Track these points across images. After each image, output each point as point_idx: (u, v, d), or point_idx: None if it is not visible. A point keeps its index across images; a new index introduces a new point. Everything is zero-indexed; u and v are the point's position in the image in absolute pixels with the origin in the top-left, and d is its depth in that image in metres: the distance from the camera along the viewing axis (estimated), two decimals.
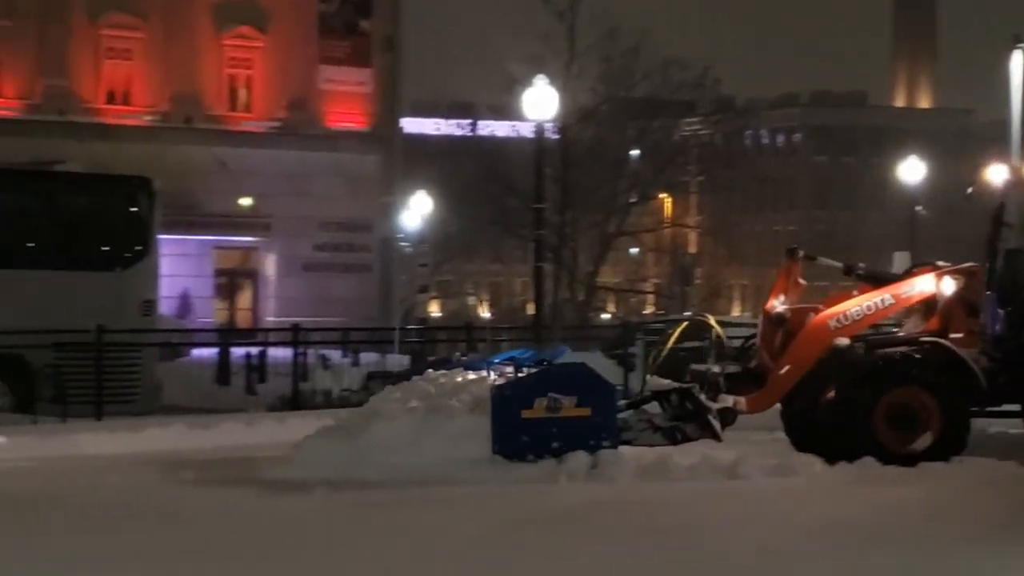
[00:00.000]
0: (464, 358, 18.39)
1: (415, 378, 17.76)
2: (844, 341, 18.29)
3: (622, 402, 17.78)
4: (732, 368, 18.47)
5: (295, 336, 25.14)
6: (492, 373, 17.46)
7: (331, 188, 50.86)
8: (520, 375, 17.14)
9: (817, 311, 18.55)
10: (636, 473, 16.17)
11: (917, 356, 18.09)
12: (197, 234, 48.40)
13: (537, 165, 30.44)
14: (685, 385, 17.77)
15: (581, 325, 49.26)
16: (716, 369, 18.12)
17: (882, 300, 18.63)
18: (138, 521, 13.57)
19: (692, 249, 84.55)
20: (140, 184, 28.62)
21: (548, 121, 32.87)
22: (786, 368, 18.17)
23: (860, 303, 18.60)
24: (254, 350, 31.95)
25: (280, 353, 29.72)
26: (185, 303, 48.36)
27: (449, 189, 59.84)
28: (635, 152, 60.10)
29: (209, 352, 33.08)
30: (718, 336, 18.57)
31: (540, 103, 29.95)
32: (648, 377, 18.31)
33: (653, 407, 17.55)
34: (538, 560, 11.75)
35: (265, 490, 15.46)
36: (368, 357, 32.00)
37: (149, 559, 11.62)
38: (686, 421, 17.44)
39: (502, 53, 51.82)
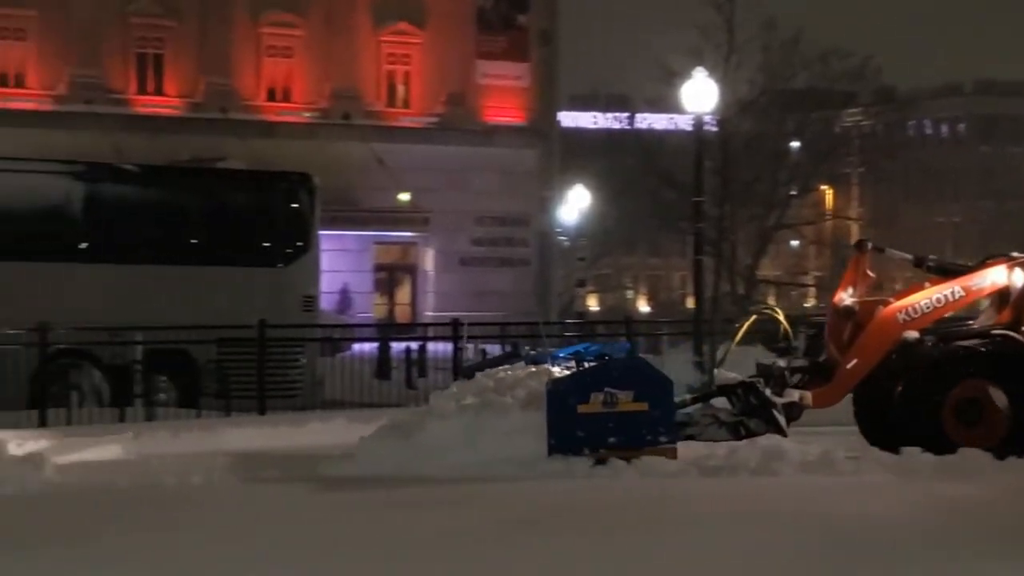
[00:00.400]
0: (532, 352, 18.11)
1: (478, 374, 17.59)
2: (913, 334, 17.94)
3: (688, 396, 17.67)
4: (799, 362, 18.27)
5: (455, 330, 25.14)
6: (555, 367, 17.27)
7: (489, 183, 50.96)
8: (575, 370, 16.99)
9: (886, 304, 18.22)
10: (686, 469, 15.95)
11: (986, 349, 17.65)
12: (356, 230, 48.74)
13: (697, 158, 30.21)
14: (750, 379, 17.50)
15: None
16: (782, 363, 17.89)
17: (952, 292, 18.21)
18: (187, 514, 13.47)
19: (854, 241, 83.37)
20: (301, 180, 28.89)
21: (707, 114, 32.63)
22: (854, 362, 17.87)
23: (929, 295, 18.21)
24: (414, 344, 32.09)
25: (439, 348, 29.76)
26: (345, 298, 48.74)
27: (607, 183, 59.74)
28: (795, 144, 59.49)
29: (369, 347, 33.28)
30: (785, 330, 18.36)
31: (699, 96, 29.70)
32: (716, 371, 18.13)
33: (721, 401, 17.38)
34: (567, 555, 11.50)
35: (318, 486, 15.34)
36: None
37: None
38: (751, 416, 17.20)
39: (659, 46, 51.55)
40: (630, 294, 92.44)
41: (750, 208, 56.67)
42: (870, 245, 18.72)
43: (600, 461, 15.71)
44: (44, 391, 23.04)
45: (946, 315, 18.73)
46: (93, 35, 46.26)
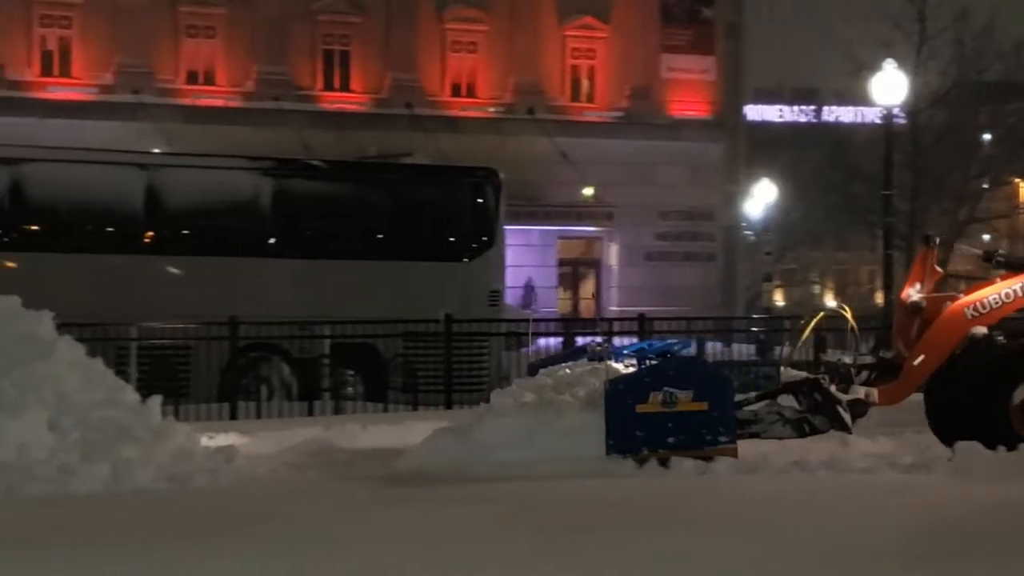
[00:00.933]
0: (596, 348, 17.76)
1: (540, 371, 17.34)
2: (981, 330, 17.50)
3: (753, 394, 17.19)
4: (866, 359, 18.02)
5: (641, 325, 24.95)
6: (618, 364, 16.95)
7: (674, 177, 50.68)
8: (635, 369, 16.67)
9: (954, 299, 17.82)
10: (745, 468, 15.60)
11: None
12: (540, 225, 48.78)
13: (886, 151, 29.70)
14: (814, 376, 17.16)
15: None
16: (848, 360, 17.59)
17: (1022, 287, 17.77)
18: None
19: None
20: (486, 175, 28.89)
21: (896, 106, 32.07)
22: (921, 358, 17.47)
23: (998, 291, 17.76)
24: (598, 339, 31.91)
25: (625, 343, 29.55)
26: (529, 293, 48.79)
27: (793, 176, 59.05)
28: (987, 136, 58.27)
29: (554, 342, 33.19)
30: (852, 327, 17.87)
31: (889, 88, 29.21)
32: (782, 369, 17.65)
33: (787, 399, 16.94)
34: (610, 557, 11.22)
35: (375, 483, 15.21)
36: (713, 347, 31.67)
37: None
38: (816, 413, 16.83)
39: (848, 38, 50.78)
40: (816, 289, 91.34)
41: (941, 202, 55.63)
42: (937, 240, 18.41)
43: (663, 461, 15.46)
44: (235, 384, 23.33)
45: (1017, 310, 18.20)
46: (280, 32, 46.84)
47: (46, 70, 44.80)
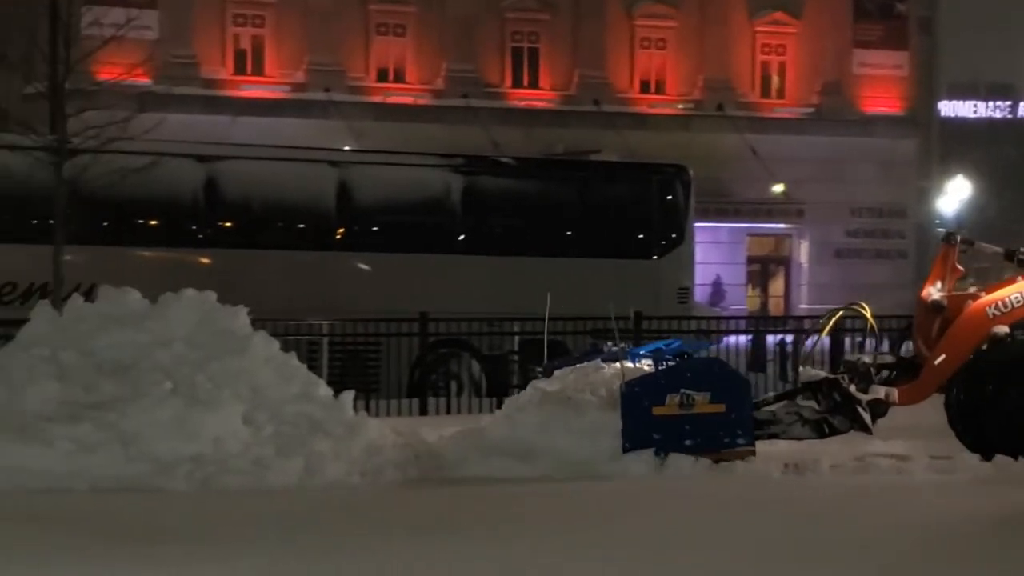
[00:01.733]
0: (613, 349, 17.32)
1: (556, 372, 17.00)
2: (1003, 329, 17.16)
3: (771, 394, 17.08)
4: (886, 358, 17.73)
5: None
6: (635, 365, 16.56)
7: (864, 173, 50.01)
8: (652, 371, 16.28)
9: (976, 298, 17.44)
10: (756, 468, 15.40)
11: None
12: (729, 221, 48.43)
13: None
14: (834, 376, 16.86)
15: None
16: (867, 359, 17.24)
17: None
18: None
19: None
20: (676, 172, 28.76)
21: None
22: (942, 358, 17.11)
23: (1020, 290, 17.39)
24: (788, 337, 31.56)
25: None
26: (718, 290, 48.46)
27: (988, 172, 57.98)
28: None
29: (742, 339, 32.89)
30: (871, 326, 17.68)
31: None
32: (801, 368, 17.53)
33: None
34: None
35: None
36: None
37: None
38: (835, 413, 16.52)
39: None
40: None
41: None
42: (959, 238, 17.94)
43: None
44: (424, 380, 23.45)
45: None
46: (469, 30, 47.07)
47: (239, 69, 45.53)
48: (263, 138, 34.93)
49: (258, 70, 45.72)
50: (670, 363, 16.77)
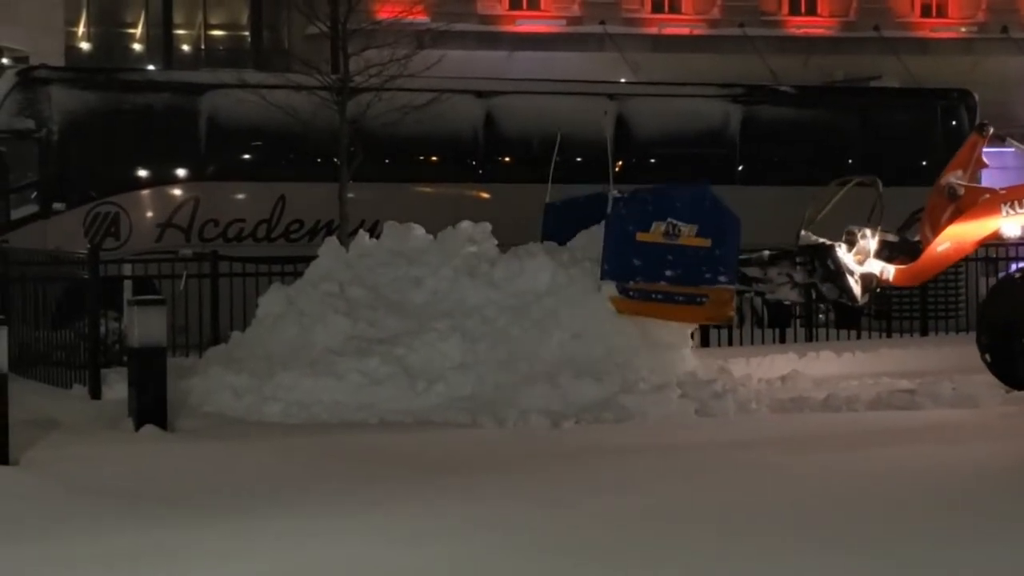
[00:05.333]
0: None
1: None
2: (1013, 228, 16.88)
3: (766, 253, 16.66)
4: (890, 236, 17.22)
5: None
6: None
7: None
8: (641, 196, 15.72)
9: (993, 193, 16.97)
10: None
11: None
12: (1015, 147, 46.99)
13: None
14: (830, 244, 16.40)
15: None
16: (868, 232, 16.76)
17: None
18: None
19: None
20: (960, 97, 28.11)
21: None
22: (945, 245, 16.84)
23: None
24: None
25: None
26: None
27: None
28: None
29: None
30: (879, 199, 17.19)
31: None
32: (802, 233, 17.00)
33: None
34: None
35: None
36: None
37: None
38: (825, 281, 16.33)
39: None
40: None
41: None
42: (991, 130, 17.51)
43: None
44: None
45: None
46: None
47: (515, 4, 45.63)
48: (538, 73, 34.97)
49: (534, 4, 45.76)
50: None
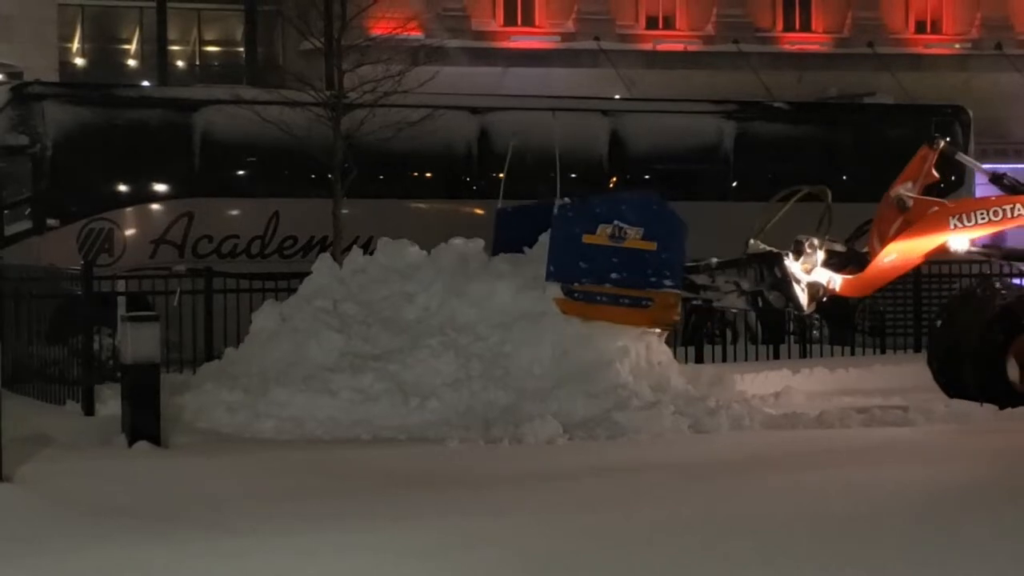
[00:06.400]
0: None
1: None
2: (960, 243, 16.99)
3: (714, 260, 16.72)
4: (838, 247, 17.29)
5: None
6: None
7: None
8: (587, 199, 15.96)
9: (942, 206, 17.06)
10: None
11: None
12: (1011, 162, 46.95)
13: None
14: (778, 252, 16.51)
15: None
16: (816, 241, 16.82)
17: (1012, 209, 17.01)
18: None
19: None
20: (954, 113, 28.18)
21: None
22: (892, 257, 16.90)
23: (987, 207, 17.14)
24: None
25: None
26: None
27: None
28: None
29: None
30: (828, 209, 17.21)
31: None
32: (751, 242, 17.06)
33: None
34: None
35: None
36: None
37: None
38: (773, 289, 16.40)
39: None
40: None
41: None
42: (943, 144, 17.55)
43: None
44: (699, 328, 23.29)
45: (999, 230, 17.57)
46: None
47: (509, 20, 45.68)
48: (533, 89, 35.02)
49: (528, 20, 45.83)
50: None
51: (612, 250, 15.84)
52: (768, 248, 17.27)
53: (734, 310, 17.56)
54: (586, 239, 15.91)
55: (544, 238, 16.55)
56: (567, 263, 15.90)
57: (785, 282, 16.79)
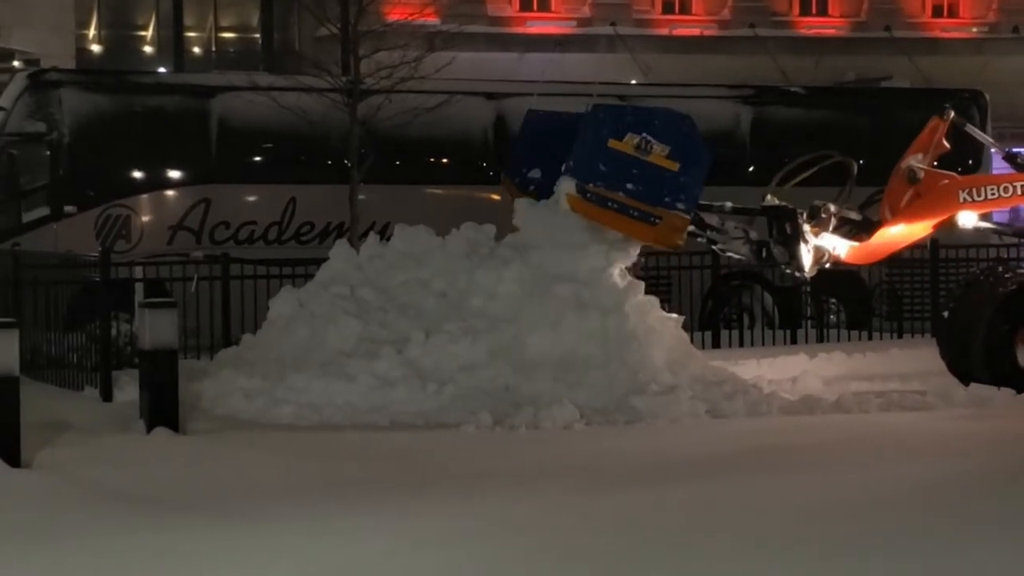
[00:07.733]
0: None
1: None
2: (969, 218, 17.01)
3: (729, 204, 16.67)
4: (851, 214, 17.28)
5: None
6: None
7: None
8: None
9: (952, 179, 17.08)
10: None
11: None
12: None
13: None
14: (792, 208, 16.46)
15: None
16: (832, 207, 16.83)
17: (1022, 187, 17.02)
18: None
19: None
20: (972, 97, 28.11)
21: None
22: (899, 227, 16.90)
23: (997, 183, 17.21)
24: None
25: None
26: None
27: None
28: None
29: None
30: (850, 176, 17.23)
31: None
32: (768, 197, 17.11)
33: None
34: None
35: None
36: None
37: None
38: (778, 244, 16.38)
39: None
40: None
41: None
42: (953, 115, 17.57)
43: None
44: (716, 312, 23.28)
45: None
46: None
47: (525, 5, 45.64)
48: (549, 74, 34.94)
49: (544, 6, 45.77)
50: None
51: (634, 161, 15.72)
52: (784, 203, 17.29)
53: (735, 256, 17.46)
54: (611, 144, 15.79)
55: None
56: (588, 162, 15.83)
57: (793, 239, 16.80)
